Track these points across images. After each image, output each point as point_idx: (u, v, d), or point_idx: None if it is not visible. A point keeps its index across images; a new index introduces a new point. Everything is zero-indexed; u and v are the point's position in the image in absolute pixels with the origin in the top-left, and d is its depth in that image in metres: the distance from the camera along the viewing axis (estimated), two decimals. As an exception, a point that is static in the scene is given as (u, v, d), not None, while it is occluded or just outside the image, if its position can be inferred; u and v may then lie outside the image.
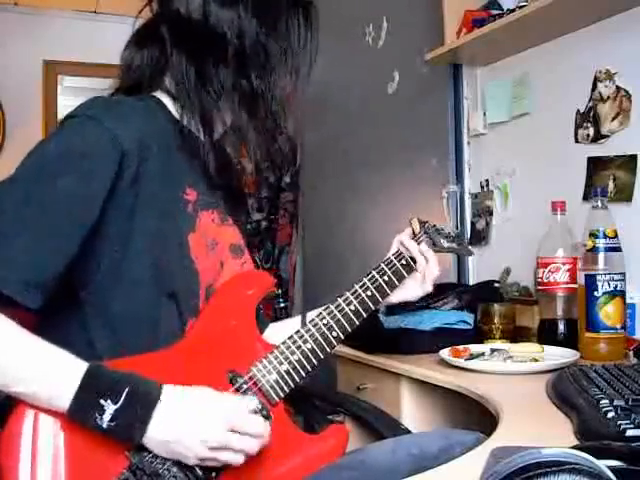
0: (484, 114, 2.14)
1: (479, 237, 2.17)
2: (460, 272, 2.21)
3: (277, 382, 1.02)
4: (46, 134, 3.68)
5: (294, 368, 1.04)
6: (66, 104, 5.00)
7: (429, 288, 1.26)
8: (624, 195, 1.65)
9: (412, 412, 1.58)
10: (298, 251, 3.38)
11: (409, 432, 1.39)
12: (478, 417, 1.22)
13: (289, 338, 1.06)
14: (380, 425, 1.40)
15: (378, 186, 2.62)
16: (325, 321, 1.09)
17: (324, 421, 1.14)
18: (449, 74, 2.22)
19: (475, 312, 1.73)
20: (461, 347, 1.53)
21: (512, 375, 1.33)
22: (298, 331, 1.07)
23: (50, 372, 0.84)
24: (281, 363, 1.03)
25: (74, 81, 4.57)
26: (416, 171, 2.39)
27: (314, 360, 1.06)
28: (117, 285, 0.94)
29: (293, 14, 1.08)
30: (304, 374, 1.05)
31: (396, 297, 1.25)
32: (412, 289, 1.27)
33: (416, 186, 2.40)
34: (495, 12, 1.93)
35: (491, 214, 2.13)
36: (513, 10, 1.79)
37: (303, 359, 1.05)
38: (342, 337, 1.10)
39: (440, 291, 1.80)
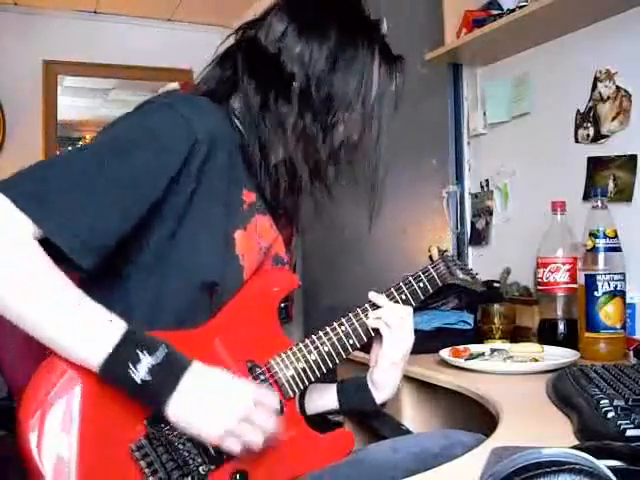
0: (484, 114, 2.14)
1: (479, 237, 2.17)
2: (460, 272, 2.21)
3: (293, 378, 1.04)
4: (46, 134, 3.67)
5: (310, 367, 1.06)
6: (66, 104, 5.02)
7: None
8: (624, 195, 1.65)
9: (412, 412, 1.58)
10: (298, 251, 3.38)
11: (409, 432, 1.39)
12: (478, 417, 1.22)
13: (308, 338, 1.08)
14: (380, 425, 1.40)
15: (378, 186, 2.62)
16: (344, 327, 1.11)
17: (324, 420, 1.14)
18: (449, 74, 2.22)
19: (475, 312, 1.73)
20: (461, 347, 1.53)
21: (512, 375, 1.33)
22: (317, 333, 1.09)
23: (91, 324, 0.84)
24: (298, 360, 1.05)
25: (74, 81, 4.57)
26: (416, 171, 2.40)
27: (329, 363, 1.08)
28: (159, 266, 0.97)
29: (375, 65, 1.08)
30: (319, 374, 1.07)
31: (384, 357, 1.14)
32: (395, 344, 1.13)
33: (416, 186, 2.40)
34: (495, 12, 1.93)
35: (491, 214, 2.13)
36: (513, 10, 1.79)
37: (319, 360, 1.07)
38: (358, 346, 1.11)
39: (440, 291, 1.80)
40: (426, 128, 2.35)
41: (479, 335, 1.70)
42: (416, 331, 1.46)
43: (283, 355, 1.05)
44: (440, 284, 1.22)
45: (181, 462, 0.89)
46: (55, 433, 0.83)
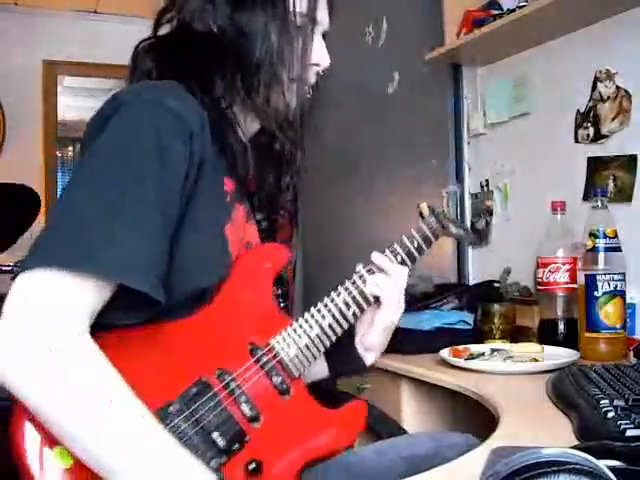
0: (484, 114, 2.14)
1: (479, 237, 2.17)
2: (460, 272, 2.21)
3: (297, 356, 0.99)
4: (46, 134, 3.67)
5: (313, 343, 1.01)
6: (66, 104, 5.01)
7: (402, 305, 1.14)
8: (624, 195, 1.65)
9: (412, 412, 1.58)
10: (298, 251, 3.38)
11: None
12: (478, 417, 1.22)
13: (307, 312, 1.04)
14: (381, 428, 1.40)
15: (378, 186, 2.62)
16: (342, 297, 1.06)
17: (333, 395, 1.14)
18: (449, 74, 2.22)
19: (475, 312, 1.73)
20: (461, 347, 1.53)
21: (512, 375, 1.33)
22: (316, 305, 1.05)
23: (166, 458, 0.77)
24: (300, 337, 1.00)
25: (74, 81, 4.58)
26: (416, 171, 2.39)
27: (332, 335, 1.04)
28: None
29: None
30: (322, 349, 1.03)
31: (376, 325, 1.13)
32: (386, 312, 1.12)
33: (416, 186, 2.40)
34: (495, 12, 1.93)
35: (491, 214, 2.13)
36: (513, 10, 1.79)
37: (321, 334, 1.03)
38: (358, 314, 1.07)
39: (440, 291, 1.80)
40: (426, 128, 2.35)
41: (479, 335, 1.70)
42: (416, 331, 1.45)
43: (284, 334, 1.00)
44: (434, 240, 1.19)
45: None
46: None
